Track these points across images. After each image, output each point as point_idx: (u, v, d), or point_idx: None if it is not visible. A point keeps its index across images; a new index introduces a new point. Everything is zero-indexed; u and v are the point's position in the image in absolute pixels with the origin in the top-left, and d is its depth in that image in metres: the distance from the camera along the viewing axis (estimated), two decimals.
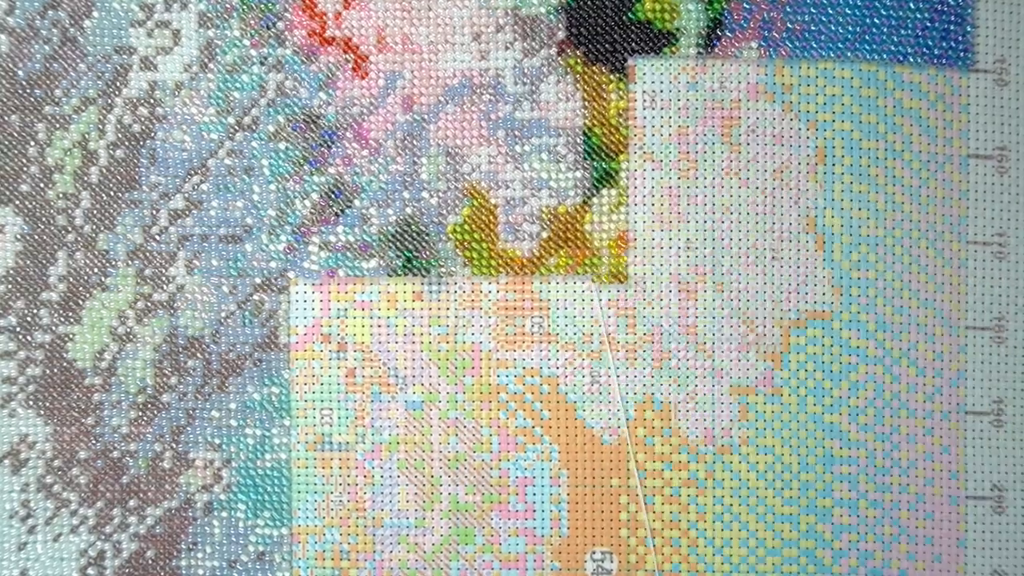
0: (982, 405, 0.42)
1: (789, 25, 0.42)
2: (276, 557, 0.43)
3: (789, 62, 0.42)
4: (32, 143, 0.43)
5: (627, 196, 0.42)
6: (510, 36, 0.42)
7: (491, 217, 0.42)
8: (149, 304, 0.43)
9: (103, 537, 0.43)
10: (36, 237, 0.43)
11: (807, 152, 0.42)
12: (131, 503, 0.43)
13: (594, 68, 0.42)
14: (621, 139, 0.42)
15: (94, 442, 0.43)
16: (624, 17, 0.42)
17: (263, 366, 0.43)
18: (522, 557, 0.42)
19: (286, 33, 0.42)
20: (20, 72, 0.43)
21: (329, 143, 0.43)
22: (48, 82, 0.43)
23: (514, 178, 0.42)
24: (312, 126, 0.43)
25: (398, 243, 0.43)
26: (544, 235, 0.42)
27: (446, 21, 0.42)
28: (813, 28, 0.42)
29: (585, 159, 0.42)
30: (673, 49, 0.42)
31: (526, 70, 0.42)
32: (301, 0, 0.42)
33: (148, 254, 0.43)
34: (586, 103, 0.42)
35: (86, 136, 0.43)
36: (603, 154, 0.42)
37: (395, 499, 0.43)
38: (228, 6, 0.42)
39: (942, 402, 0.42)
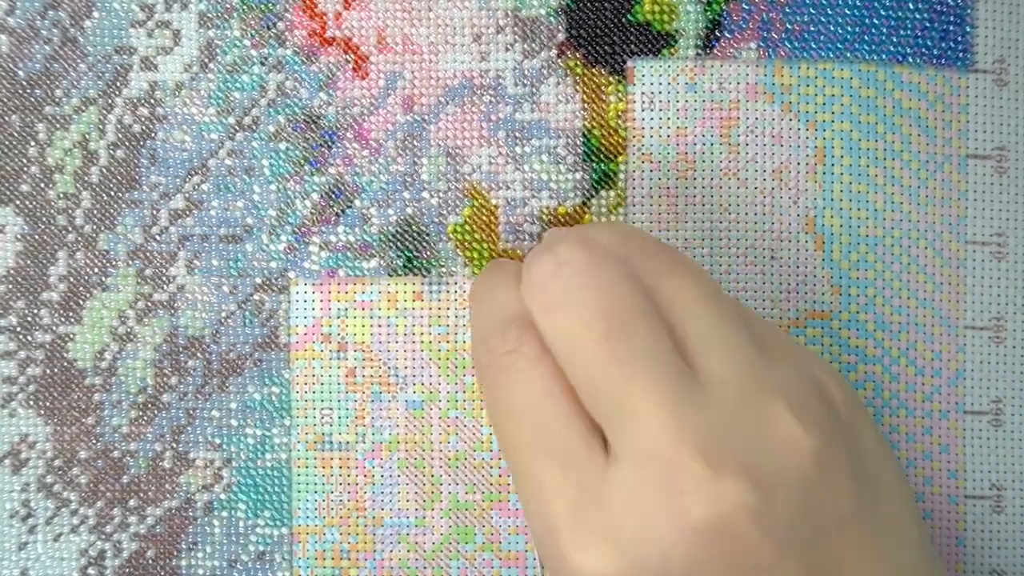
0: (981, 405, 0.42)
1: (788, 26, 0.42)
2: (276, 557, 0.43)
3: (788, 62, 0.42)
4: (32, 143, 0.43)
5: (625, 197, 0.42)
6: (510, 37, 0.42)
7: (492, 217, 0.43)
8: (149, 304, 0.43)
9: (103, 537, 0.43)
10: (36, 237, 0.43)
11: (806, 152, 0.42)
12: (131, 503, 0.43)
13: (594, 70, 0.42)
14: (620, 141, 0.42)
15: (94, 442, 0.43)
16: (623, 19, 0.42)
17: (263, 366, 0.43)
18: (522, 556, 0.42)
19: (286, 33, 0.43)
20: (20, 72, 0.43)
21: (329, 143, 0.43)
22: (48, 82, 0.43)
23: (515, 179, 0.43)
24: (312, 126, 0.43)
25: (398, 243, 0.43)
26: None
27: (446, 22, 0.42)
28: (812, 28, 0.42)
29: (584, 161, 0.42)
30: (672, 50, 0.42)
31: (526, 71, 0.42)
32: (301, 0, 0.43)
33: (148, 254, 0.43)
34: (585, 105, 0.43)
35: (86, 136, 0.43)
36: (602, 156, 0.42)
37: (395, 498, 0.43)
38: (228, 6, 0.43)
39: (941, 402, 0.42)
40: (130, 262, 0.43)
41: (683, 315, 0.32)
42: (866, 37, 0.42)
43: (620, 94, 0.42)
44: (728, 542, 0.30)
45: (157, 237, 0.43)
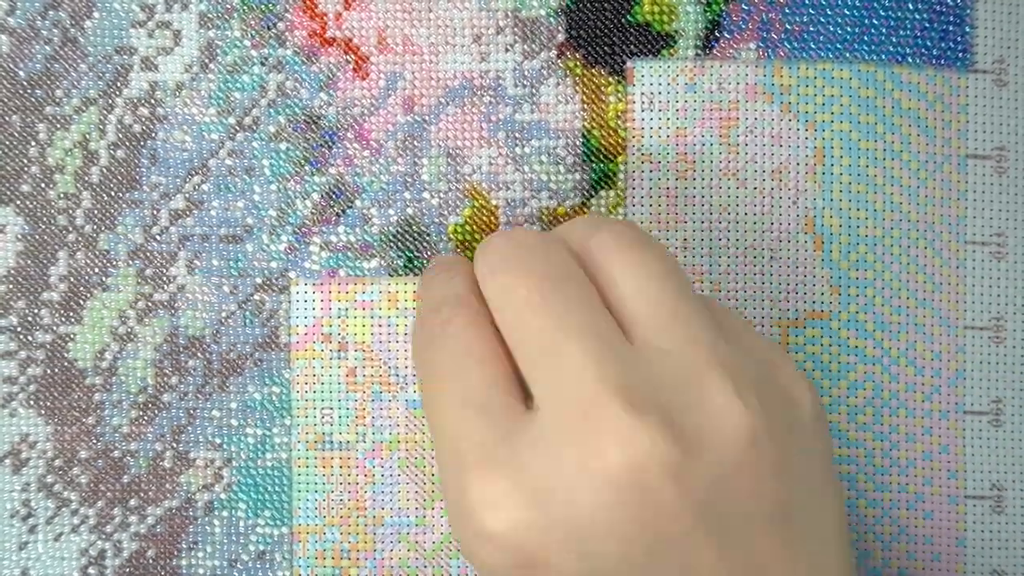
0: (981, 405, 0.42)
1: (787, 26, 0.42)
2: (276, 556, 0.43)
3: (787, 63, 0.42)
4: (33, 143, 0.43)
5: (625, 197, 0.42)
6: (510, 38, 0.42)
7: (492, 218, 0.43)
8: (150, 304, 0.43)
9: (104, 536, 0.43)
10: (37, 237, 0.43)
11: (805, 153, 0.42)
12: (132, 502, 0.43)
13: (593, 71, 0.43)
14: (620, 141, 0.42)
15: (95, 442, 0.43)
16: (623, 19, 0.42)
17: (264, 366, 0.43)
18: None
19: (287, 34, 0.43)
20: (21, 72, 0.43)
21: (330, 143, 0.43)
22: (49, 82, 0.43)
23: (515, 179, 0.43)
24: (313, 126, 0.43)
25: (399, 243, 0.43)
26: None
27: (447, 22, 0.43)
28: (812, 29, 0.42)
29: (584, 161, 0.43)
30: (672, 51, 0.42)
31: (526, 72, 0.43)
32: (302, 1, 0.43)
33: (149, 254, 0.43)
34: (585, 105, 0.43)
35: (87, 136, 0.43)
36: (602, 156, 0.42)
37: (396, 498, 0.43)
38: (229, 7, 0.43)
39: (941, 402, 0.42)
40: (130, 262, 0.43)
41: (631, 291, 0.32)
42: (865, 37, 0.42)
43: (620, 94, 0.43)
44: (641, 495, 0.29)
45: (157, 237, 0.43)
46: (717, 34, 0.42)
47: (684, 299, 0.32)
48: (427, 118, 0.43)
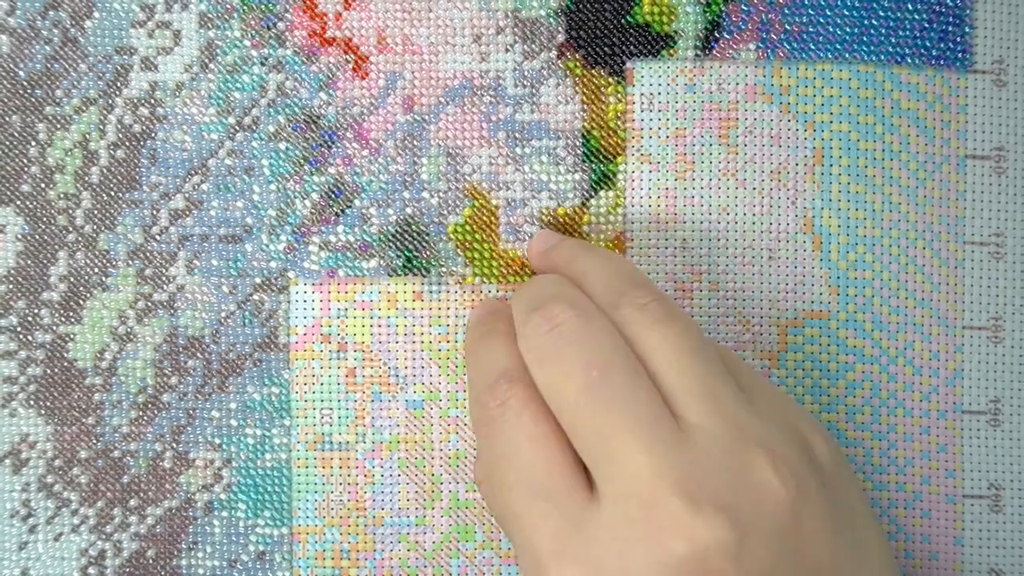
0: (979, 404, 0.42)
1: (787, 27, 0.42)
2: (276, 556, 0.43)
3: (787, 63, 0.42)
4: (33, 143, 0.43)
5: (624, 197, 0.42)
6: (510, 38, 0.42)
7: (492, 218, 0.43)
8: (149, 304, 0.43)
9: (104, 536, 0.43)
10: (37, 237, 0.43)
11: (805, 153, 0.42)
12: (132, 503, 0.43)
13: (593, 71, 0.43)
14: (619, 141, 0.43)
15: (95, 442, 0.43)
16: (623, 20, 0.42)
17: (263, 366, 0.43)
18: None
19: (286, 33, 0.43)
20: (21, 72, 0.43)
21: (329, 143, 0.43)
22: (49, 82, 0.43)
23: (515, 179, 0.43)
24: (312, 126, 0.43)
25: (398, 243, 0.43)
26: None
27: (446, 22, 0.43)
28: (811, 29, 0.42)
29: (584, 161, 0.43)
30: (671, 51, 0.42)
31: (526, 72, 0.43)
32: (302, 1, 0.43)
33: (148, 254, 0.43)
34: (585, 106, 0.43)
35: (87, 136, 0.43)
36: (601, 156, 0.43)
37: (395, 498, 0.43)
38: (229, 7, 0.43)
39: (939, 401, 0.42)
40: (130, 262, 0.43)
41: (667, 367, 0.34)
42: (865, 38, 0.42)
43: (619, 95, 0.43)
44: None
45: (157, 237, 0.43)
46: (717, 35, 0.42)
47: (716, 374, 0.34)
48: (427, 118, 0.43)
